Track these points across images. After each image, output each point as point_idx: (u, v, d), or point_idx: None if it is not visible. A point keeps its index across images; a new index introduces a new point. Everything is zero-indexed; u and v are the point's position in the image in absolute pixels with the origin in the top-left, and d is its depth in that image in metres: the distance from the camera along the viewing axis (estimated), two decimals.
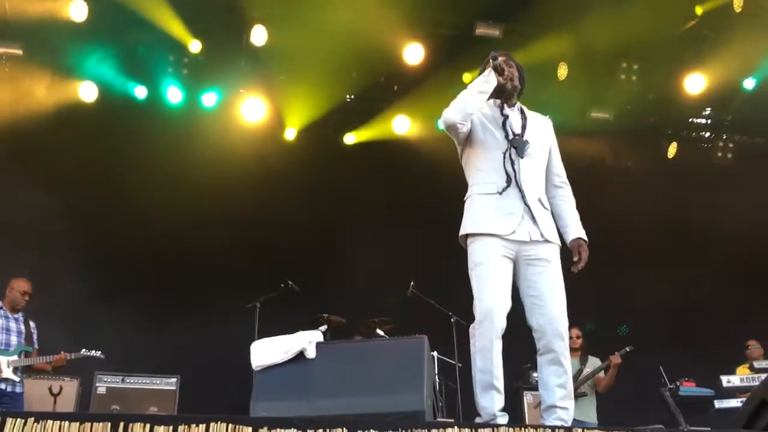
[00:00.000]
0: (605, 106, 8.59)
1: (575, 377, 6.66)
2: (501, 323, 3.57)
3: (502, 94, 3.83)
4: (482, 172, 3.75)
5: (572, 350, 6.73)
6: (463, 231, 3.75)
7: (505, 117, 3.82)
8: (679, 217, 8.34)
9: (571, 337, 6.62)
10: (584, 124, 8.73)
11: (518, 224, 3.65)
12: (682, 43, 7.94)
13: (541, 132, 3.89)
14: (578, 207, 3.95)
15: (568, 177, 4.01)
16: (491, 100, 3.84)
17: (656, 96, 8.63)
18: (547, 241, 3.70)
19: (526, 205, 3.68)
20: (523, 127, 3.83)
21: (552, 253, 3.71)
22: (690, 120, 9.27)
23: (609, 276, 8.46)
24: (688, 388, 6.11)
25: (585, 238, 3.81)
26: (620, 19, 7.37)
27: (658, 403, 6.30)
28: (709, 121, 9.27)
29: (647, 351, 7.65)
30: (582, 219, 3.92)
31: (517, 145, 3.75)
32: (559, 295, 3.67)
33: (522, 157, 3.74)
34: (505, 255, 3.64)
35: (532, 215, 3.69)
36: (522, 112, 3.90)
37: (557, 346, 3.63)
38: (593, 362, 6.97)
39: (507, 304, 3.61)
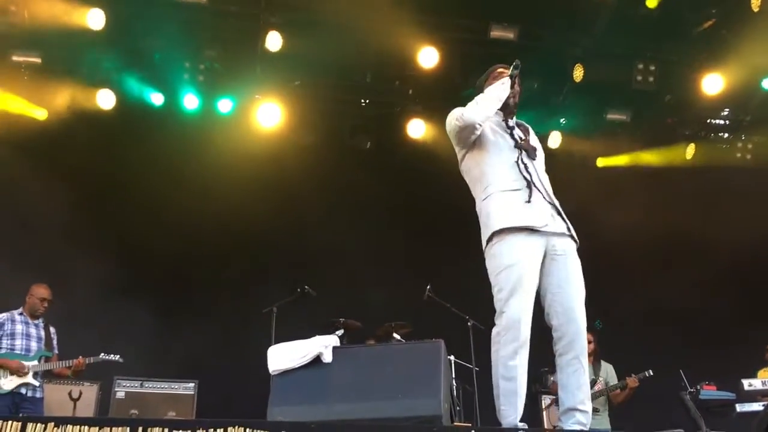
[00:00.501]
0: (622, 107, 8.53)
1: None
2: (526, 333, 3.54)
3: (505, 108, 3.90)
4: (498, 170, 3.74)
5: None
6: (492, 228, 3.62)
7: (510, 127, 3.90)
8: (695, 218, 8.27)
9: None
10: (601, 126, 8.68)
11: (550, 217, 3.64)
12: (699, 43, 7.88)
13: (538, 144, 3.99)
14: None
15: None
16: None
17: (673, 97, 8.56)
18: (571, 236, 3.72)
19: (549, 201, 3.70)
20: (526, 135, 3.94)
21: (573, 249, 3.73)
22: (708, 121, 9.18)
23: (624, 278, 8.41)
24: (709, 391, 6.03)
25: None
26: (636, 19, 7.33)
27: (678, 408, 6.23)
28: (727, 122, 9.18)
29: (666, 354, 7.58)
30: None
31: (526, 148, 3.81)
32: (579, 292, 3.67)
33: (534, 159, 3.80)
34: (535, 253, 3.59)
35: (558, 210, 3.71)
36: (519, 125, 4.00)
37: (577, 346, 3.61)
38: (606, 368, 6.82)
39: (531, 311, 3.59)
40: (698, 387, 6.03)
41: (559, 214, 3.71)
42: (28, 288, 6.45)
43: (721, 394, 6.02)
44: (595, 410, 6.44)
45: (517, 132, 3.90)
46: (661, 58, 8.01)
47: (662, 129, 9.09)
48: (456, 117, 3.77)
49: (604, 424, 6.49)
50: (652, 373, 6.60)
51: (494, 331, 3.62)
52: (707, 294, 8.23)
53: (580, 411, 3.58)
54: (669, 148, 9.08)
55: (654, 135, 9.04)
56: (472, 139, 3.79)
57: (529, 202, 3.61)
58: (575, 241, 3.74)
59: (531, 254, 3.58)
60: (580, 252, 3.79)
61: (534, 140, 3.95)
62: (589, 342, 6.70)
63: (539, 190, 3.69)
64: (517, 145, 3.80)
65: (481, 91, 3.92)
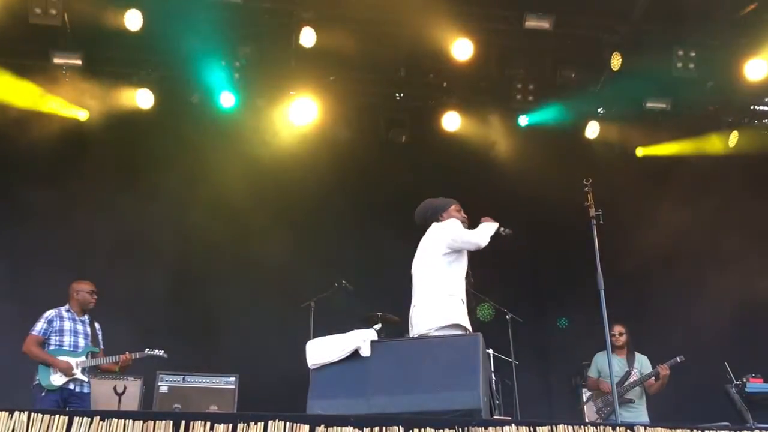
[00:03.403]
0: (662, 95, 8.36)
1: (622, 381, 6.41)
2: None
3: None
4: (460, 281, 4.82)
5: (617, 348, 6.54)
6: (449, 321, 4.55)
7: None
8: (742, 208, 8.08)
9: (614, 334, 6.46)
10: (640, 115, 8.53)
11: None
12: (741, 28, 7.67)
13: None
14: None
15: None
16: None
17: (715, 83, 8.36)
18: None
19: None
20: None
21: None
22: (752, 107, 8.96)
23: (667, 271, 8.26)
24: (756, 384, 5.92)
25: None
26: (675, 5, 7.17)
27: (723, 400, 6.11)
28: None
29: (711, 346, 7.44)
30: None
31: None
32: None
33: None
34: None
35: None
36: None
37: None
38: (640, 360, 6.63)
39: None
40: (744, 380, 5.91)
41: None
42: (68, 285, 6.53)
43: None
44: (630, 401, 6.34)
45: None
46: (702, 43, 7.82)
47: (704, 116, 8.89)
48: (467, 236, 4.83)
49: (641, 416, 6.36)
50: (682, 359, 6.43)
51: None
52: (751, 286, 8.04)
53: None
54: (711, 135, 8.88)
55: (695, 123, 8.85)
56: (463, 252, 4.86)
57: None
58: None
59: None
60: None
61: None
62: (622, 334, 6.60)
63: None
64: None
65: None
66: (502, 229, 4.95)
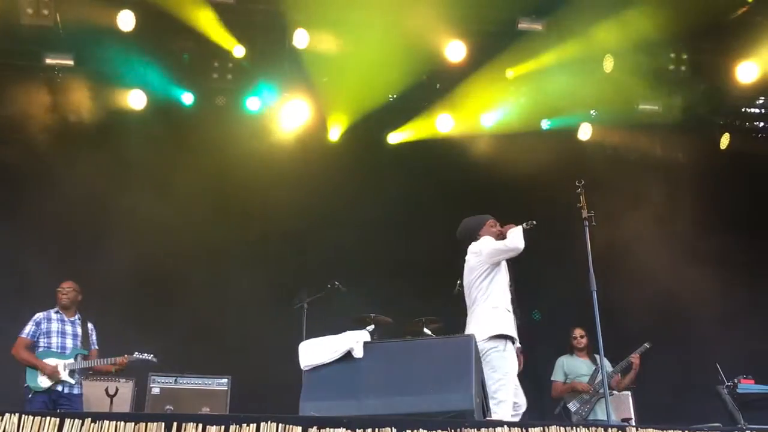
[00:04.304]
0: (654, 97, 8.39)
1: (593, 378, 6.57)
2: None
3: None
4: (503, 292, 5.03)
5: (578, 350, 6.84)
6: (494, 332, 4.78)
7: None
8: (733, 209, 8.11)
9: (575, 337, 6.83)
10: (632, 117, 8.56)
11: None
12: (733, 30, 7.71)
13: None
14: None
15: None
16: None
17: (707, 86, 8.41)
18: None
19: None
20: None
21: None
22: (743, 109, 9.01)
23: (656, 270, 8.28)
24: (747, 385, 5.94)
25: None
26: (667, 7, 7.21)
27: (715, 401, 6.13)
28: (763, 111, 8.99)
29: (702, 347, 7.47)
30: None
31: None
32: None
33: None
34: None
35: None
36: None
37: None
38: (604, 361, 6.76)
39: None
40: (735, 381, 5.93)
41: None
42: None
43: (759, 387, 5.92)
44: (611, 394, 6.46)
45: None
46: (694, 46, 7.86)
47: (696, 119, 8.93)
48: (502, 245, 5.02)
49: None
50: (650, 345, 6.63)
51: None
52: (741, 287, 8.09)
53: None
54: (703, 138, 8.89)
55: (687, 125, 8.89)
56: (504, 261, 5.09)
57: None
58: None
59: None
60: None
61: None
62: (583, 336, 6.73)
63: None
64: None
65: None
66: (525, 224, 5.05)
